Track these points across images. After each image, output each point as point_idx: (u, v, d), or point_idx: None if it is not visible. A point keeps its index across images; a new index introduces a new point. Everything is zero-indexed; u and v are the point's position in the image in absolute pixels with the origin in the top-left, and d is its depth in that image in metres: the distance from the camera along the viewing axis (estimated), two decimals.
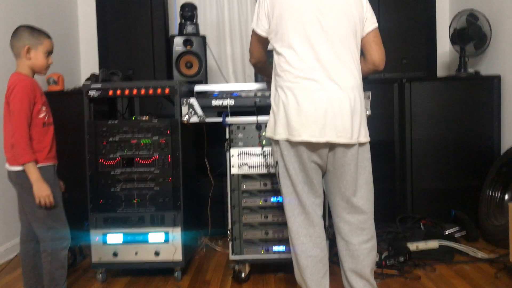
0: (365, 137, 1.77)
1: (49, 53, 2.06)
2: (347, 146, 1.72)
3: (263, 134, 2.31)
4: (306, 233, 1.81)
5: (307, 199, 1.79)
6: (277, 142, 1.79)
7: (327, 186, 1.85)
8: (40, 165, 1.97)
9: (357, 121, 1.72)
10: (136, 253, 2.41)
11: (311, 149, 1.72)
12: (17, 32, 2.00)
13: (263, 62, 2.05)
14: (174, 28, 3.76)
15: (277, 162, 1.83)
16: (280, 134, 1.74)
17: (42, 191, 1.94)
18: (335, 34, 1.72)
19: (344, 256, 1.84)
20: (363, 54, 1.86)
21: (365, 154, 1.80)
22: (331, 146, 1.73)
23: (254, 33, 1.90)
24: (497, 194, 2.89)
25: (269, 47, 1.94)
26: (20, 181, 1.97)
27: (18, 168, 1.95)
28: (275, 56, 1.82)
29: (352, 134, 1.70)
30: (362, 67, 1.84)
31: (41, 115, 2.00)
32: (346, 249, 1.83)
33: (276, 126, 1.76)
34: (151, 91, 2.39)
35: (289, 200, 1.82)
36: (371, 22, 1.83)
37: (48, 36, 2.06)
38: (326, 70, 1.70)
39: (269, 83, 2.38)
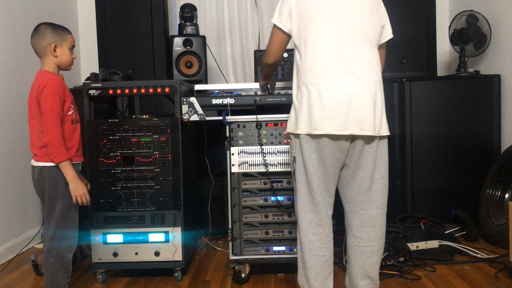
0: (386, 130, 1.80)
1: (73, 48, 2.06)
2: (368, 139, 1.76)
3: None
4: (315, 232, 1.81)
5: (321, 197, 1.80)
6: (297, 137, 1.79)
7: (343, 181, 1.85)
8: (53, 164, 1.95)
9: (379, 115, 1.75)
10: (136, 253, 2.40)
11: (333, 143, 1.73)
12: (39, 30, 1.98)
13: (279, 61, 2.05)
14: (174, 29, 3.77)
15: (294, 158, 1.83)
16: (302, 128, 1.75)
17: (78, 190, 1.97)
18: (359, 32, 1.77)
19: (353, 252, 1.86)
20: None
21: (384, 149, 1.82)
22: (352, 140, 1.76)
23: (276, 30, 1.90)
24: (497, 193, 2.89)
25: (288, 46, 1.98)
26: (43, 176, 1.96)
27: (44, 163, 1.95)
28: (297, 54, 1.83)
29: (374, 127, 1.73)
30: None
31: (70, 113, 2.01)
32: (356, 245, 1.85)
33: (298, 121, 1.77)
34: (151, 90, 2.40)
35: (301, 196, 1.82)
36: (388, 34, 1.93)
37: (69, 32, 2.06)
38: (349, 66, 1.73)
39: (274, 86, 2.40)
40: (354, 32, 1.75)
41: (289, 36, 1.89)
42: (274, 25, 1.90)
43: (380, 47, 1.89)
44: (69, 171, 1.94)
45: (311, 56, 1.76)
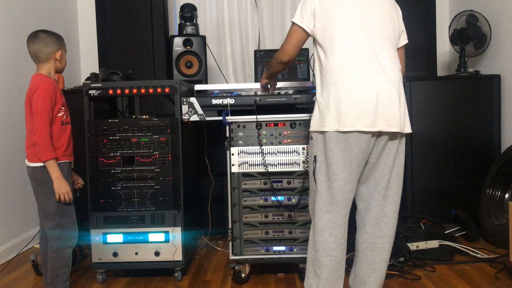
0: (409, 127, 1.84)
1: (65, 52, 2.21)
2: (392, 136, 1.79)
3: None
4: (332, 232, 1.82)
5: (343, 198, 1.80)
6: (322, 135, 1.80)
7: (361, 177, 1.87)
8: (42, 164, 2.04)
9: (403, 112, 1.80)
10: (136, 253, 2.40)
11: (361, 140, 1.75)
12: (42, 38, 2.07)
13: (293, 60, 2.05)
14: (174, 29, 3.77)
15: (315, 157, 1.84)
16: (329, 126, 1.76)
17: (62, 188, 2.03)
18: (382, 33, 1.81)
19: (364, 249, 1.88)
20: None
21: (403, 147, 1.87)
22: (378, 136, 1.78)
23: (296, 29, 1.90)
24: (497, 193, 2.89)
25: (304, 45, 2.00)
26: (36, 176, 2.05)
27: (35, 164, 2.03)
28: (321, 53, 1.85)
29: (400, 123, 1.77)
30: None
31: (60, 114, 2.09)
32: (367, 242, 1.87)
33: (324, 118, 1.78)
34: (151, 90, 2.40)
35: (320, 196, 1.82)
36: (405, 38, 1.97)
37: (63, 38, 2.20)
38: (376, 64, 1.77)
39: (275, 86, 2.41)
40: (377, 33, 1.80)
41: (308, 36, 1.91)
42: (295, 24, 1.90)
43: (398, 52, 1.93)
44: (53, 170, 2.01)
45: (338, 56, 1.78)
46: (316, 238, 1.84)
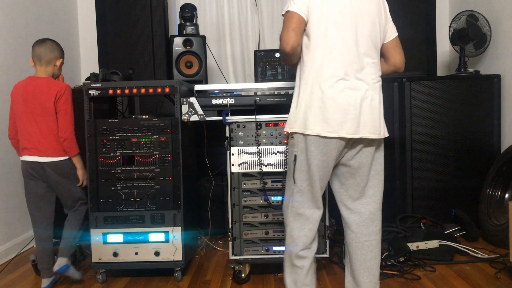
0: (387, 132, 1.86)
1: None
2: (370, 140, 1.80)
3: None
4: (312, 228, 1.86)
5: (319, 195, 1.84)
6: (305, 136, 1.78)
7: (340, 179, 1.88)
8: (67, 157, 2.35)
9: (382, 118, 1.82)
10: (136, 253, 2.40)
11: (340, 144, 1.76)
12: (50, 44, 2.37)
13: (299, 47, 1.80)
14: (174, 29, 3.77)
15: (295, 156, 1.83)
16: (312, 129, 1.75)
17: (85, 175, 2.41)
18: (369, 38, 1.80)
19: (353, 248, 1.88)
20: (384, 56, 1.94)
21: (381, 147, 1.88)
22: (354, 141, 1.79)
23: (292, 14, 1.75)
24: (497, 193, 2.89)
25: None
26: (63, 168, 2.33)
27: (61, 158, 2.32)
28: (307, 53, 1.80)
29: (380, 130, 1.79)
30: (383, 68, 1.92)
31: None
32: (356, 241, 1.87)
33: (308, 121, 1.76)
34: (151, 91, 2.40)
35: (301, 194, 1.84)
36: (394, 30, 1.95)
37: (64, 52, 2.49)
38: (360, 70, 1.76)
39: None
40: (364, 38, 1.79)
41: (305, 21, 1.76)
42: (289, 11, 1.77)
43: (391, 43, 1.91)
44: (80, 161, 2.38)
45: (323, 58, 1.76)
46: (295, 233, 1.86)
